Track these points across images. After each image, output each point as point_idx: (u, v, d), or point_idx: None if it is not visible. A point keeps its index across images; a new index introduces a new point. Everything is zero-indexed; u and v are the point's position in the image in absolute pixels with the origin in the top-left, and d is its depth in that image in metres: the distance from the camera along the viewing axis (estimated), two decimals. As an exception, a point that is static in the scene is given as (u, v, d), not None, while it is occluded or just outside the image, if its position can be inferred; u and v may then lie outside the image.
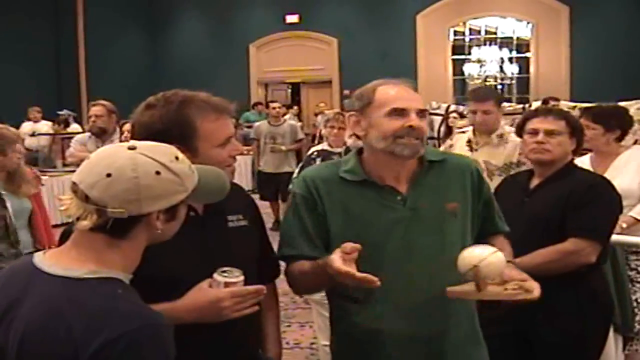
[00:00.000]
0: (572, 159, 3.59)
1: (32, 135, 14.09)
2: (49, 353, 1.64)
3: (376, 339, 2.60)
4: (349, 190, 2.60)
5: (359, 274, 2.24)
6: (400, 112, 2.54)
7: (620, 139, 4.75)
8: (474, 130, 5.07)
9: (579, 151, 3.67)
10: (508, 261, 2.57)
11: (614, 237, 3.59)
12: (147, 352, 1.64)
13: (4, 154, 4.55)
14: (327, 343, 4.45)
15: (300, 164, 5.32)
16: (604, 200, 3.40)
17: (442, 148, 6.26)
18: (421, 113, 2.57)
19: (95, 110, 7.10)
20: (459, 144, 5.18)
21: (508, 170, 4.71)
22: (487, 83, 18.94)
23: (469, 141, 5.06)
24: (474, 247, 2.44)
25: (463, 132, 5.37)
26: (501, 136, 4.93)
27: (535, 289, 2.41)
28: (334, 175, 2.64)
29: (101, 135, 6.99)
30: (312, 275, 2.52)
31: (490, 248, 2.42)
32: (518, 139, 4.92)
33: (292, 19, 19.64)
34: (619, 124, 4.70)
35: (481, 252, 2.38)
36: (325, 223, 2.60)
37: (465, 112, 7.91)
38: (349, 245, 2.29)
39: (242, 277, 2.17)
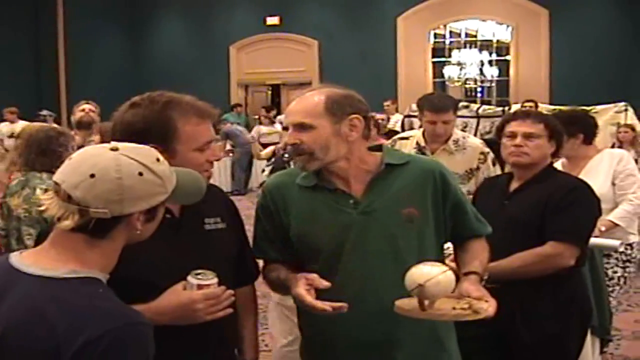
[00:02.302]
0: (552, 162, 3.61)
1: (11, 136, 13.98)
2: (31, 352, 1.64)
3: (331, 344, 2.60)
4: (303, 195, 2.61)
5: (326, 308, 2.33)
6: (287, 129, 2.59)
7: (586, 141, 4.77)
8: (424, 136, 4.75)
9: (558, 154, 3.68)
10: (473, 272, 2.53)
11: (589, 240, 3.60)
12: (129, 350, 1.65)
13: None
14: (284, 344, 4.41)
15: (271, 166, 5.26)
16: (583, 203, 3.42)
17: None
18: (299, 126, 2.52)
19: (90, 106, 7.22)
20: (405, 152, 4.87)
21: (469, 178, 4.58)
22: (467, 86, 19.06)
23: (419, 149, 4.69)
24: (424, 265, 2.31)
25: (406, 137, 5.01)
26: (457, 142, 4.69)
27: (486, 310, 2.29)
28: (292, 182, 2.65)
29: (88, 128, 7.04)
30: (278, 285, 2.62)
31: (441, 267, 2.31)
32: (476, 143, 4.89)
33: (272, 20, 19.59)
34: (579, 128, 4.72)
35: (429, 271, 2.27)
36: (283, 228, 2.63)
37: (418, 123, 7.03)
38: (310, 278, 2.40)
39: (215, 280, 2.17)
